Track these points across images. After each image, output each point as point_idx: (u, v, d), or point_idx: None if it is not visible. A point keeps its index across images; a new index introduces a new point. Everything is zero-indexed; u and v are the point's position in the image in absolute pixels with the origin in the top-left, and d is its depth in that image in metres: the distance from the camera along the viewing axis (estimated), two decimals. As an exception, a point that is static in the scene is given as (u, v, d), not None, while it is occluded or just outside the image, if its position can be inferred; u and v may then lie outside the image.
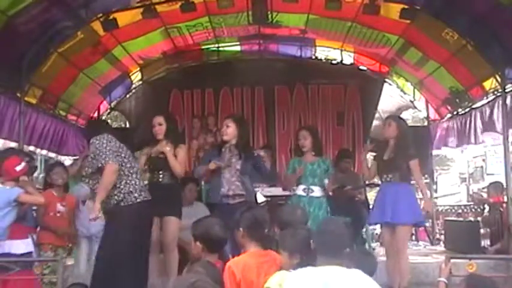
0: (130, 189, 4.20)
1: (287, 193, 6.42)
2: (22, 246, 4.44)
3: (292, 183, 5.47)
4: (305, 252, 2.87)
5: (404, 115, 11.92)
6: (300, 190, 5.22)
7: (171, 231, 4.81)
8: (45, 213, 4.86)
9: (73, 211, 5.15)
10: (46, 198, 4.78)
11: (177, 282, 1.96)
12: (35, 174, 6.88)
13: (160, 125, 4.95)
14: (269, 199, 6.52)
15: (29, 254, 4.49)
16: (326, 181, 5.30)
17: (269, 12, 7.22)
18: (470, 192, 15.01)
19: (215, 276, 2.71)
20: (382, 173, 5.11)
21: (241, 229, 3.13)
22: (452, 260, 3.15)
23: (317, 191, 5.22)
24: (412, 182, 5.20)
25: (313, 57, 9.28)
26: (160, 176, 4.89)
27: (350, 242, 2.69)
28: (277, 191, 6.78)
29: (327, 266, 2.45)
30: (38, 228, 4.89)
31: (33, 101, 6.74)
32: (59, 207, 4.94)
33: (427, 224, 9.18)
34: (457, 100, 7.86)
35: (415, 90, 9.00)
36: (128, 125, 9.76)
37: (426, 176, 9.51)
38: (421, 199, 6.15)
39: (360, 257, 3.00)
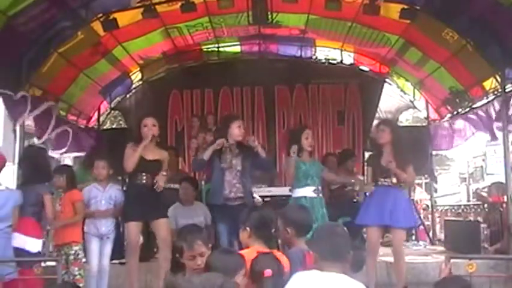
0: None
1: (287, 193, 6.39)
2: (38, 245, 4.52)
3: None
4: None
5: (404, 115, 11.97)
6: (309, 192, 5.16)
7: (164, 230, 4.94)
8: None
9: None
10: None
11: (205, 282, 1.96)
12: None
13: (154, 126, 5.04)
14: (268, 199, 6.51)
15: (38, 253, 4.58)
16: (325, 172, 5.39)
17: (269, 13, 7.21)
18: (473, 191, 15.02)
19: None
20: (379, 177, 5.12)
21: (248, 228, 3.12)
22: (452, 260, 3.15)
23: (320, 191, 5.28)
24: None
25: (313, 57, 9.27)
26: (144, 177, 4.94)
27: (350, 245, 2.69)
28: (278, 190, 6.78)
29: (332, 273, 2.46)
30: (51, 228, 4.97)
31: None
32: (58, 206, 5.02)
33: (428, 223, 9.20)
34: (457, 100, 7.85)
35: (415, 90, 8.99)
36: (127, 125, 9.75)
37: (426, 175, 9.53)
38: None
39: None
